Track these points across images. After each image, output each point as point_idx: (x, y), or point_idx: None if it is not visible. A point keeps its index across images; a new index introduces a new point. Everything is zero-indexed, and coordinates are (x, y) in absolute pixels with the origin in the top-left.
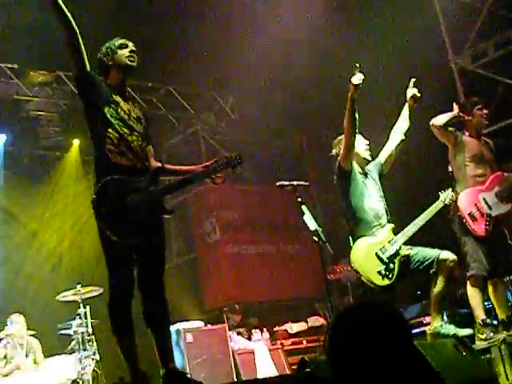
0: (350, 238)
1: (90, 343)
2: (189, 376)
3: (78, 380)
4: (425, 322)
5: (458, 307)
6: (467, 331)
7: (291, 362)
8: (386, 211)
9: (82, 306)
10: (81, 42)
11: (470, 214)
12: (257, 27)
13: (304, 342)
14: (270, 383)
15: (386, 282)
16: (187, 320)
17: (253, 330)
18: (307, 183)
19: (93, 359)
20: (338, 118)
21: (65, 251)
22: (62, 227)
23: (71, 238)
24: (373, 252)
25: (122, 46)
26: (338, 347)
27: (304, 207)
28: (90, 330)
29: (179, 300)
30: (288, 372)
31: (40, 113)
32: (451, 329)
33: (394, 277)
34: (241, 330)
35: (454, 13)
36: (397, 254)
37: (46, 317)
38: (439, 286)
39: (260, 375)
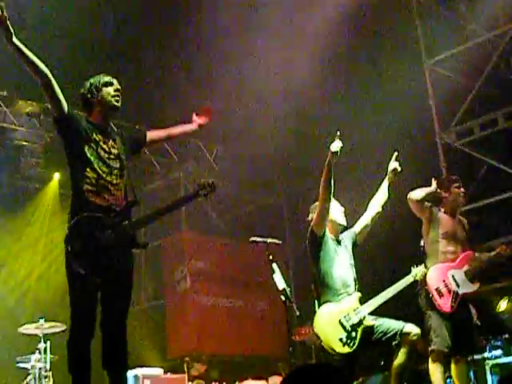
0: (316, 303)
1: (47, 379)
2: None
3: None
4: None
5: (419, 383)
6: None
7: None
8: (355, 280)
9: (42, 340)
10: (55, 85)
11: (437, 290)
12: (244, 78)
13: None
14: None
15: (347, 349)
16: (147, 366)
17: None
18: (279, 242)
19: None
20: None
21: (32, 284)
22: (32, 260)
23: (40, 271)
24: (336, 319)
25: (107, 84)
26: None
27: (275, 265)
28: (48, 366)
29: (142, 345)
30: None
31: (24, 143)
32: None
33: (355, 346)
34: (200, 381)
35: (444, 89)
36: (360, 323)
37: (5, 348)
38: (400, 358)
39: None
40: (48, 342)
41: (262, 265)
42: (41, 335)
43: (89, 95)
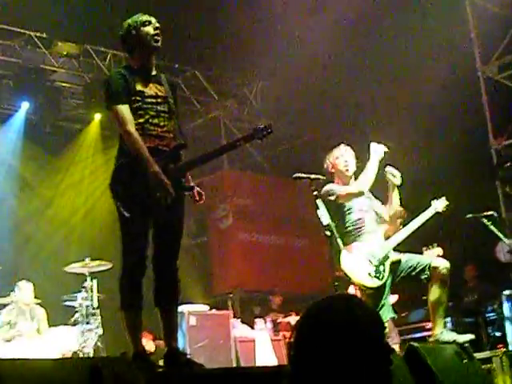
0: (340, 241)
1: (94, 317)
2: (190, 357)
3: (79, 352)
4: (427, 327)
5: (462, 316)
6: (467, 337)
7: None
8: (378, 217)
9: (89, 279)
10: None
11: None
12: (287, 17)
13: None
14: (267, 372)
15: (377, 282)
16: (192, 303)
17: (256, 319)
18: (323, 177)
19: (95, 333)
20: (362, 116)
21: (77, 223)
22: (77, 199)
23: (85, 210)
24: (363, 256)
25: (146, 23)
26: (299, 341)
27: (319, 201)
28: (95, 304)
29: (186, 282)
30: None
31: (64, 84)
32: (451, 335)
33: (385, 278)
34: (278, 315)
35: (485, 23)
36: (386, 257)
37: (52, 287)
38: (434, 293)
39: (259, 364)
40: (94, 281)
41: (304, 202)
42: (87, 274)
43: (128, 36)
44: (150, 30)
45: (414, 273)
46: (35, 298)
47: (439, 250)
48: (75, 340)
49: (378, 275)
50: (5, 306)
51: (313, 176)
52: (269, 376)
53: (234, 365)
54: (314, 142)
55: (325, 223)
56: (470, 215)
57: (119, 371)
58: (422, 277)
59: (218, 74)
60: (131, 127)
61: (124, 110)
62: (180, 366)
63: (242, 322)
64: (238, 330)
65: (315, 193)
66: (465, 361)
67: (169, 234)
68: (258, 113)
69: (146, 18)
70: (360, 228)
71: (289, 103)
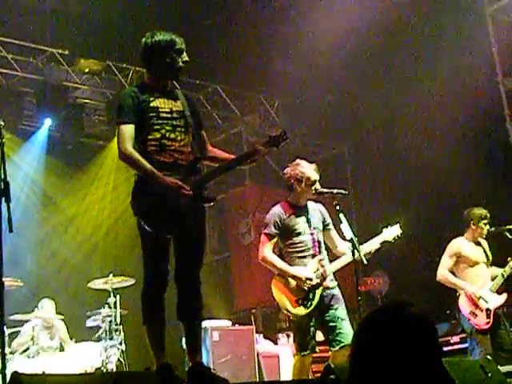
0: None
1: (117, 333)
2: (214, 372)
3: (102, 368)
4: (452, 341)
5: None
6: None
7: (315, 370)
8: (319, 243)
9: (112, 294)
10: None
11: None
12: (308, 32)
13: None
14: None
15: (301, 311)
16: (215, 318)
17: (279, 335)
18: (346, 192)
19: (118, 349)
20: (383, 129)
21: (100, 239)
22: (100, 215)
23: (107, 226)
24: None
25: (179, 51)
26: (359, 345)
27: (342, 216)
28: (118, 320)
29: (209, 297)
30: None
31: (87, 101)
32: None
33: (312, 306)
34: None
35: (506, 35)
36: (318, 285)
37: (75, 303)
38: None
39: (283, 379)
40: (117, 296)
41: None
42: (110, 289)
43: (154, 55)
44: (179, 60)
45: (330, 334)
46: (58, 313)
47: None
48: (98, 356)
49: (305, 303)
50: (27, 321)
51: (335, 191)
52: None
53: (258, 380)
54: (335, 156)
55: (348, 237)
56: (492, 229)
57: None
58: (332, 347)
59: (240, 90)
60: (128, 146)
61: (126, 129)
62: (204, 380)
63: (265, 337)
64: (262, 345)
65: (338, 207)
66: (489, 374)
67: (190, 247)
68: (279, 128)
69: (180, 45)
70: (301, 251)
71: (310, 118)
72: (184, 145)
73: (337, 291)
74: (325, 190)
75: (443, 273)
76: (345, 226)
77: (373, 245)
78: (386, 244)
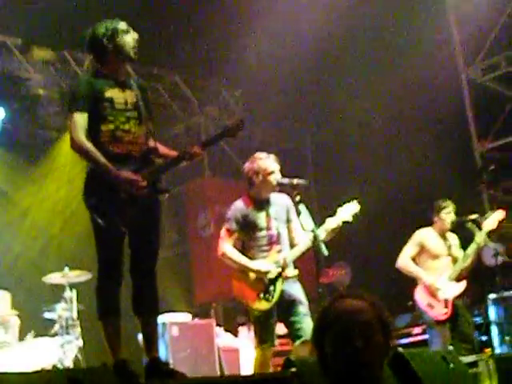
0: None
1: (74, 328)
2: (172, 367)
3: (59, 364)
4: (413, 332)
5: None
6: None
7: (277, 363)
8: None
9: (68, 289)
10: None
11: None
12: (270, 19)
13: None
14: (251, 380)
15: (263, 305)
16: (174, 311)
17: (239, 328)
18: (307, 182)
19: (75, 345)
20: (344, 120)
21: (55, 233)
22: (55, 208)
23: (63, 219)
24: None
25: (126, 32)
26: (318, 331)
27: (302, 206)
28: (75, 315)
29: (168, 291)
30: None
31: (41, 91)
32: None
33: (274, 300)
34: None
35: (468, 23)
36: (277, 276)
37: (31, 297)
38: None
39: (244, 373)
40: (74, 291)
41: None
42: (66, 284)
43: (104, 40)
44: (129, 40)
45: (292, 327)
46: (13, 309)
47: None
48: (54, 352)
49: (266, 296)
50: None
51: (295, 181)
52: None
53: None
54: (295, 149)
55: (308, 229)
56: (455, 219)
57: (100, 382)
58: (294, 339)
59: (199, 80)
60: (81, 135)
61: (79, 117)
62: (162, 375)
63: (226, 330)
64: (222, 338)
65: (298, 198)
66: (451, 365)
67: (145, 240)
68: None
69: (124, 25)
70: (263, 245)
71: (270, 109)
72: (138, 136)
73: (298, 284)
74: (285, 181)
75: (404, 260)
76: (305, 217)
77: (330, 224)
78: (348, 232)
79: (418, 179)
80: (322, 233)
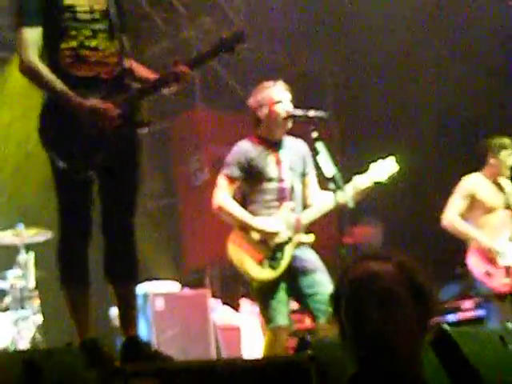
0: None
1: (31, 301)
2: (155, 348)
3: (11, 346)
4: (464, 307)
5: None
6: None
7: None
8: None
9: (23, 251)
10: None
11: None
12: None
13: (307, 320)
14: (255, 366)
15: (267, 274)
16: (159, 279)
17: (241, 300)
18: (325, 114)
19: (32, 321)
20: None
21: (6, 180)
22: (5, 149)
23: (15, 163)
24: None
25: None
26: (334, 304)
27: (320, 145)
28: (32, 285)
29: (150, 254)
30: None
31: None
32: None
33: (281, 269)
34: None
35: None
36: (288, 240)
37: None
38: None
39: (246, 357)
40: (31, 254)
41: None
42: (20, 245)
43: None
44: None
45: (309, 303)
46: None
47: None
48: (6, 331)
49: (272, 264)
50: None
51: (311, 112)
52: (258, 371)
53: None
54: (311, 72)
55: (327, 174)
56: None
57: (63, 366)
58: (317, 315)
59: None
60: (32, 54)
61: (29, 33)
62: (141, 358)
63: (224, 303)
64: (219, 313)
65: (314, 134)
66: (511, 346)
67: (119, 188)
68: None
69: None
70: (270, 200)
71: (282, 23)
72: (108, 55)
73: (311, 251)
74: (298, 112)
75: (451, 218)
76: (324, 160)
77: (358, 183)
78: (379, 186)
79: (470, 115)
80: (350, 190)
